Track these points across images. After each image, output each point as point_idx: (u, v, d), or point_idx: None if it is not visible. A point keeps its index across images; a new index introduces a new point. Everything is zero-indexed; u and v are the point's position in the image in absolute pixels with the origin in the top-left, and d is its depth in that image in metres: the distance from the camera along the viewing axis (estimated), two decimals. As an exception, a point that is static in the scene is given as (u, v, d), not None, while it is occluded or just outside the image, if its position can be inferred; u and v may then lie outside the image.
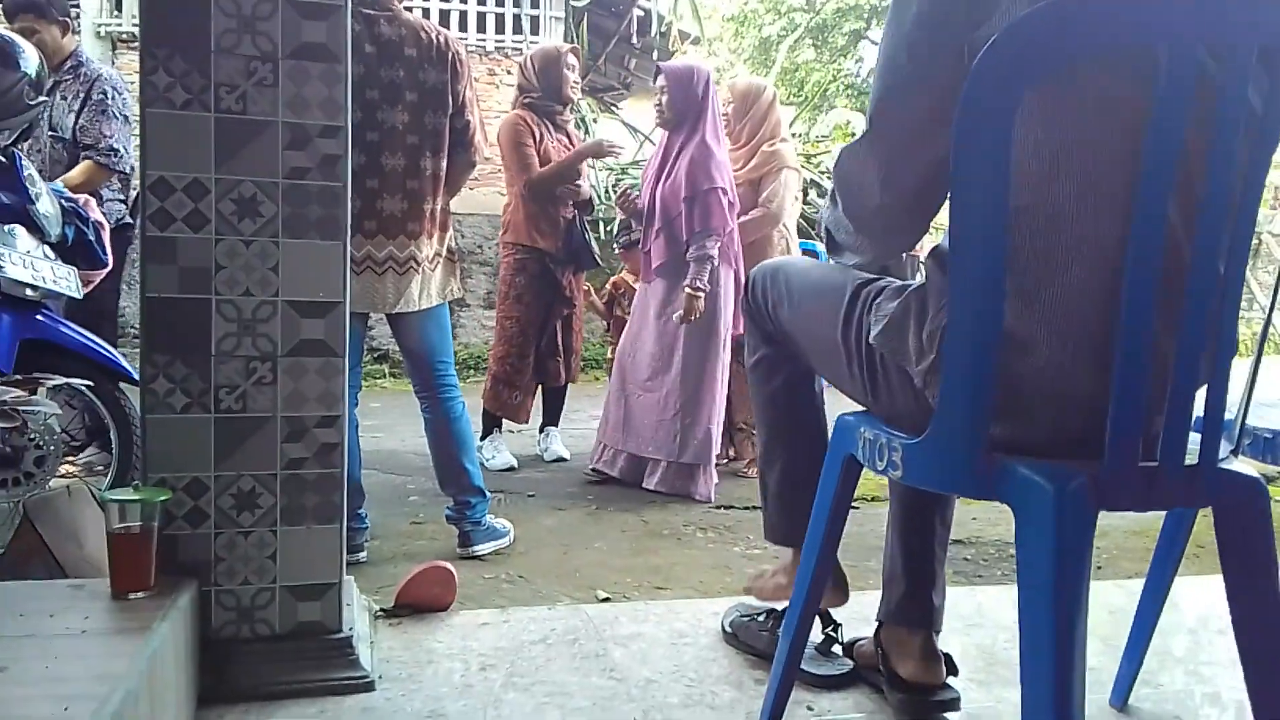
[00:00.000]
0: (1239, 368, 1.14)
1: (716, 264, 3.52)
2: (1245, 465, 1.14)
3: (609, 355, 4.89)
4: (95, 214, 3.00)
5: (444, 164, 2.60)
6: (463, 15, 10.13)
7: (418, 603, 2.00)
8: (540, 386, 4.19)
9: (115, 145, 3.47)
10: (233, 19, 1.52)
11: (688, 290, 3.44)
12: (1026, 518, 1.04)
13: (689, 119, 3.56)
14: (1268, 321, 1.93)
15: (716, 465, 3.66)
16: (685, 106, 3.56)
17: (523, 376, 3.98)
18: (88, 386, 2.62)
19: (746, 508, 3.32)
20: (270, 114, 1.55)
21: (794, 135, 10.24)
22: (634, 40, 12.14)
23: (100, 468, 3.38)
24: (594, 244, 4.04)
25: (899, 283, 1.31)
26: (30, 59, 2.64)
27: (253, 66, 1.54)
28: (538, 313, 3.97)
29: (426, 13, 9.74)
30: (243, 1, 1.52)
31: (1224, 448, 1.12)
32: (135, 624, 1.32)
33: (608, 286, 4.75)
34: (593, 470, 3.80)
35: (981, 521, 3.21)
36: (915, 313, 1.20)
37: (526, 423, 4.14)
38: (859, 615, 1.91)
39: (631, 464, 3.71)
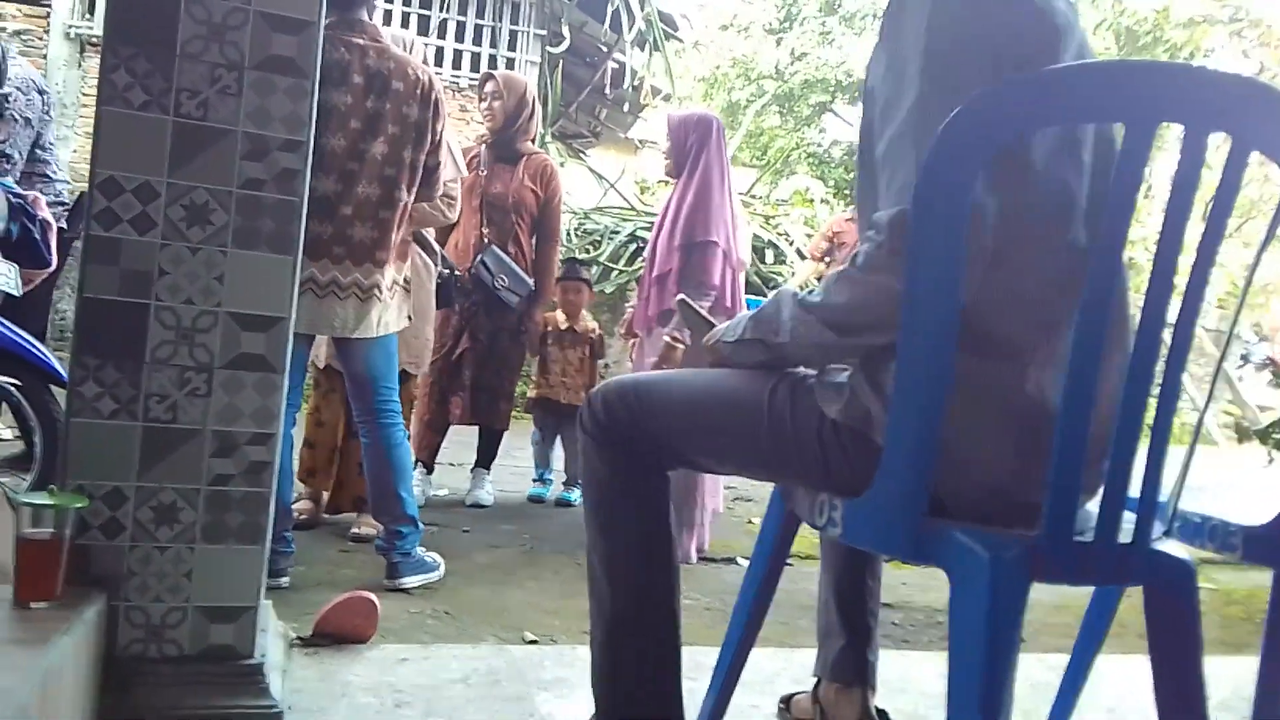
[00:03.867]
0: (1173, 453, 1.16)
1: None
2: (1177, 547, 1.16)
3: (528, 394, 4.58)
4: (43, 212, 2.92)
5: (413, 196, 2.60)
6: (439, 51, 10.16)
7: (337, 633, 1.94)
8: (477, 425, 4.01)
9: (8, 150, 3.47)
10: (202, 25, 1.50)
11: (666, 338, 3.30)
12: (961, 584, 1.04)
13: (686, 167, 3.45)
14: (1206, 405, 1.97)
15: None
16: (682, 154, 3.45)
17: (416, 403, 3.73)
18: (15, 386, 2.53)
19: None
20: (230, 123, 1.52)
21: (755, 198, 10.40)
22: (606, 91, 12.26)
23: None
24: (502, 280, 3.72)
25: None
26: None
27: (217, 74, 1.51)
28: (443, 339, 3.78)
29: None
30: (214, 8, 1.51)
31: (1157, 529, 1.13)
32: (34, 635, 1.26)
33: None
34: None
35: (911, 587, 3.21)
36: (868, 380, 1.18)
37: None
38: (787, 674, 1.89)
39: None
